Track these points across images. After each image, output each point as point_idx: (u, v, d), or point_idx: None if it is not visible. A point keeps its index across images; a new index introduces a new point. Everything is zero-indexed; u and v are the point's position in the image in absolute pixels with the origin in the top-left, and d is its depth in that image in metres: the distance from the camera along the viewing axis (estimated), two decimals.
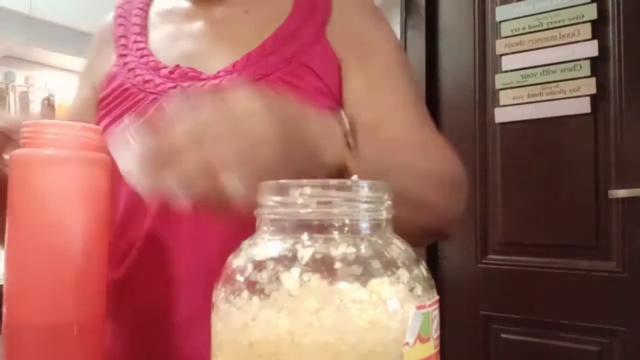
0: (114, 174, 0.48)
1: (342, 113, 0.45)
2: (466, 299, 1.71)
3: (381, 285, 0.28)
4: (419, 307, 0.28)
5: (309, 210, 0.29)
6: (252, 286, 0.28)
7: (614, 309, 1.50)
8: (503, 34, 1.67)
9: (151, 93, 0.63)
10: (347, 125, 0.44)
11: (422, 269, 0.30)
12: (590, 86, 1.53)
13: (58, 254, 0.41)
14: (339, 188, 0.29)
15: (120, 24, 0.71)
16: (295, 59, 0.62)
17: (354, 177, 0.30)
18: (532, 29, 1.62)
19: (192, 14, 0.69)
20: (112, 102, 0.66)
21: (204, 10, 0.69)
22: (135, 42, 0.69)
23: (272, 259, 0.28)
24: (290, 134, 0.38)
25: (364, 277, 0.28)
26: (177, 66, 0.64)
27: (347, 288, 0.27)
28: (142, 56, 0.67)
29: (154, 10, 0.72)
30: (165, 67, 0.65)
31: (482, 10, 1.73)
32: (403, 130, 0.62)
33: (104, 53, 0.72)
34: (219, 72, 0.62)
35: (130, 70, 0.66)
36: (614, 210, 1.51)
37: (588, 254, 1.55)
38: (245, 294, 0.28)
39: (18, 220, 0.41)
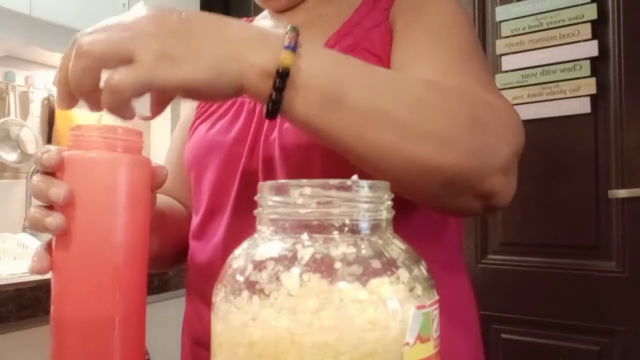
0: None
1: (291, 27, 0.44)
2: None
3: (381, 285, 0.28)
4: (419, 307, 0.28)
5: (309, 210, 0.29)
6: (252, 286, 0.28)
7: (614, 309, 1.50)
8: (503, 34, 1.67)
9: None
10: (292, 33, 0.44)
11: (422, 269, 0.30)
12: (590, 86, 1.53)
13: (101, 250, 0.43)
14: (339, 188, 0.29)
15: None
16: (357, 46, 0.63)
17: (354, 177, 0.30)
18: (532, 29, 1.62)
19: (276, 24, 0.74)
20: (203, 106, 0.72)
21: (286, 18, 0.73)
22: None
23: (272, 259, 0.28)
24: (173, 24, 0.42)
25: (364, 277, 0.28)
26: None
27: (347, 288, 0.27)
28: None
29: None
30: None
31: (482, 10, 1.73)
32: (432, 72, 0.53)
33: None
34: None
35: None
36: (614, 210, 1.51)
37: (588, 254, 1.55)
38: (245, 294, 0.28)
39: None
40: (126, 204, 0.44)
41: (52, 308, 0.46)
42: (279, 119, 0.61)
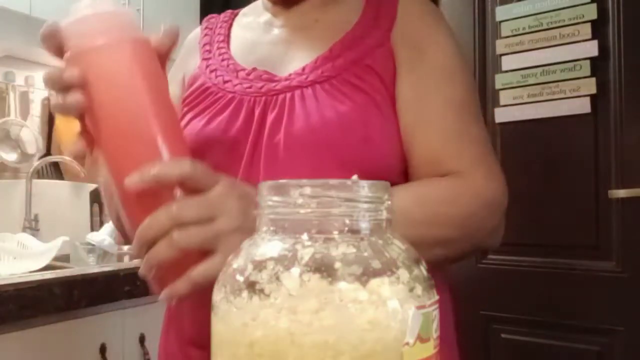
0: None
1: None
2: (466, 299, 1.71)
3: (381, 285, 0.28)
4: (419, 307, 0.28)
5: (309, 210, 0.29)
6: (252, 286, 0.28)
7: (614, 309, 1.50)
8: (503, 34, 1.67)
9: (229, 92, 0.69)
10: None
11: (422, 269, 0.30)
12: (590, 86, 1.53)
13: (135, 117, 0.47)
14: (339, 188, 0.29)
15: (206, 34, 0.80)
16: (360, 61, 0.66)
17: (354, 177, 0.30)
18: (532, 29, 1.62)
19: (269, 23, 0.75)
20: (194, 100, 0.71)
21: (279, 20, 0.75)
22: (218, 48, 0.76)
23: (272, 259, 0.28)
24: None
25: (364, 277, 0.28)
26: (254, 69, 0.70)
27: (347, 288, 0.27)
28: (223, 59, 0.74)
29: (236, 23, 0.80)
30: (243, 70, 0.71)
31: (482, 10, 1.73)
32: (438, 140, 0.63)
33: (190, 57, 0.79)
34: (290, 74, 0.67)
35: (212, 71, 0.73)
36: (614, 210, 1.51)
37: (588, 254, 1.55)
38: (245, 294, 0.28)
39: (97, 108, 0.47)
40: (143, 77, 0.48)
41: (113, 186, 0.50)
42: (284, 121, 0.62)
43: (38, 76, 1.84)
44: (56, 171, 1.89)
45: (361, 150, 0.61)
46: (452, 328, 0.71)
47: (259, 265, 0.28)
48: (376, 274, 0.28)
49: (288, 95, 0.65)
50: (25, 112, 1.79)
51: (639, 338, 1.46)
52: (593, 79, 1.53)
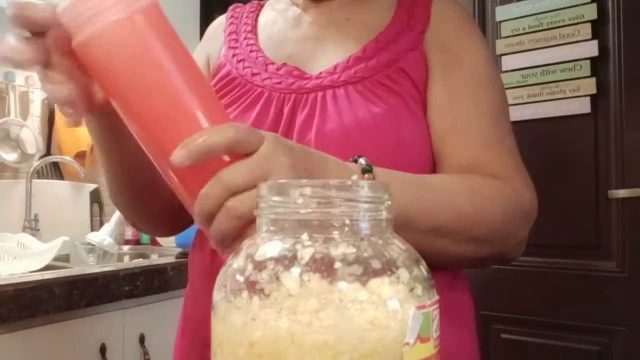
0: None
1: (360, 159, 0.52)
2: None
3: (381, 285, 0.28)
4: (419, 307, 0.28)
5: (309, 210, 0.29)
6: (252, 286, 0.28)
7: (614, 309, 1.50)
8: (503, 34, 1.67)
9: (258, 86, 0.68)
10: (364, 164, 0.51)
11: (422, 269, 0.30)
12: (590, 86, 1.53)
13: (174, 94, 0.44)
14: (339, 188, 0.29)
15: (232, 23, 0.78)
16: (393, 64, 0.65)
17: (354, 177, 0.30)
18: (532, 29, 1.62)
19: (298, 18, 0.74)
20: (221, 90, 0.70)
21: (309, 16, 0.73)
22: (246, 38, 0.75)
23: (272, 258, 0.28)
24: (304, 166, 0.45)
25: (364, 277, 0.28)
26: (284, 64, 0.69)
27: (347, 288, 0.27)
28: (251, 51, 0.72)
29: (263, 15, 0.78)
30: (272, 64, 0.70)
31: (482, 10, 1.73)
32: (476, 147, 0.63)
33: (214, 43, 0.78)
34: (320, 72, 0.67)
35: (239, 61, 0.72)
36: (614, 210, 1.51)
37: (588, 254, 1.55)
38: (245, 294, 0.28)
39: (124, 90, 0.44)
40: (163, 42, 0.44)
41: (158, 163, 0.47)
42: (315, 120, 0.63)
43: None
44: (56, 171, 1.89)
45: (393, 153, 0.61)
46: (475, 334, 0.69)
47: (259, 265, 0.28)
48: (376, 274, 0.28)
49: (319, 94, 0.64)
50: (25, 112, 1.79)
51: (639, 338, 1.46)
52: (593, 79, 1.53)
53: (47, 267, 1.35)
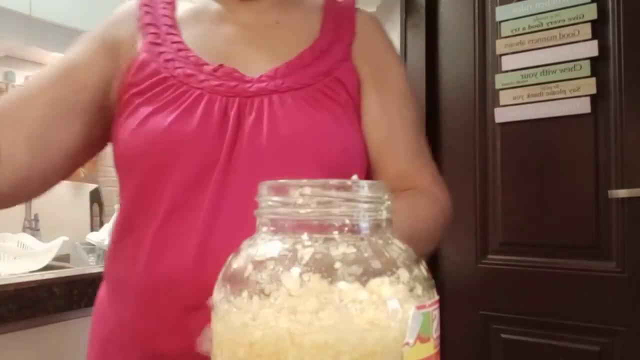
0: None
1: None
2: (466, 299, 1.71)
3: (381, 285, 0.28)
4: (419, 307, 0.28)
5: (309, 210, 0.29)
6: (252, 286, 0.28)
7: (614, 309, 1.50)
8: (503, 34, 1.67)
9: (195, 88, 0.64)
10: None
11: (422, 269, 0.30)
12: (590, 86, 1.53)
13: None
14: (339, 188, 0.29)
15: (147, 12, 0.71)
16: (330, 74, 0.68)
17: (354, 177, 0.30)
18: (532, 29, 1.62)
19: (222, 17, 0.72)
20: (149, 90, 0.65)
21: (234, 15, 0.72)
22: (169, 34, 0.70)
23: (272, 258, 0.28)
24: None
25: (364, 277, 0.28)
26: (221, 65, 0.66)
27: (347, 288, 0.27)
28: (179, 50, 0.68)
29: (181, 9, 0.73)
30: (206, 64, 0.66)
31: (482, 10, 1.73)
32: (405, 158, 0.71)
33: (126, 31, 0.70)
34: (261, 76, 0.66)
35: (167, 61, 0.67)
36: (614, 210, 1.51)
37: (588, 254, 1.55)
38: (245, 294, 0.28)
39: None
40: None
41: None
42: (266, 125, 0.62)
43: None
44: None
45: (340, 159, 0.64)
46: None
47: (259, 265, 0.28)
48: (376, 274, 0.28)
49: (265, 99, 0.64)
50: None
51: (639, 338, 1.46)
52: (593, 79, 1.53)
53: (47, 267, 1.35)
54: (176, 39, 0.69)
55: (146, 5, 0.72)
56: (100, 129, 0.69)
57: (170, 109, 0.63)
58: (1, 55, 1.72)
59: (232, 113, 0.63)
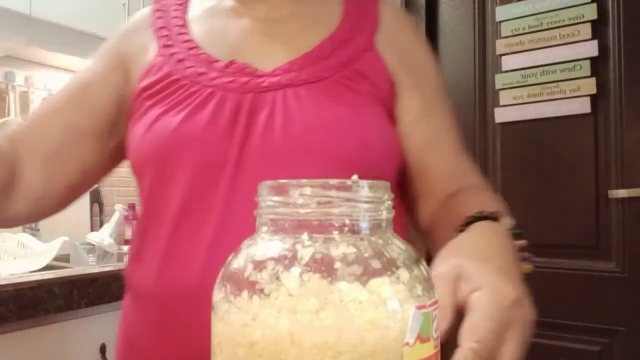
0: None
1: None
2: None
3: (381, 285, 0.28)
4: (419, 307, 0.28)
5: (309, 210, 0.29)
6: (252, 286, 0.28)
7: (614, 309, 1.50)
8: (503, 34, 1.67)
9: (207, 86, 0.63)
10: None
11: (422, 269, 0.30)
12: (590, 86, 1.53)
13: None
14: (339, 188, 0.29)
15: (160, 17, 0.72)
16: (350, 65, 0.65)
17: (354, 177, 0.30)
18: (532, 29, 1.62)
19: (236, 11, 0.70)
20: (160, 92, 0.64)
21: (248, 9, 0.70)
22: (180, 34, 0.69)
23: (272, 258, 0.28)
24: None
25: (364, 277, 0.28)
26: (232, 61, 0.64)
27: (347, 288, 0.27)
28: (190, 48, 0.67)
29: (193, 6, 0.73)
30: (217, 61, 0.65)
31: (482, 10, 1.73)
32: (450, 156, 0.68)
33: (140, 41, 0.71)
34: (275, 69, 0.63)
35: (179, 61, 0.66)
36: (614, 210, 1.51)
37: (588, 254, 1.55)
38: (245, 294, 0.28)
39: None
40: None
41: None
42: (280, 121, 0.60)
43: (38, 76, 1.84)
44: None
45: (358, 153, 0.60)
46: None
47: (259, 265, 0.28)
48: (376, 273, 0.28)
49: (279, 93, 0.61)
50: (25, 112, 1.79)
51: (639, 338, 1.46)
52: (593, 79, 1.53)
53: (47, 267, 1.35)
54: (186, 37, 0.68)
55: (159, 10, 0.73)
56: (116, 142, 0.70)
57: (179, 109, 0.62)
58: (1, 55, 1.72)
59: (245, 109, 0.60)
